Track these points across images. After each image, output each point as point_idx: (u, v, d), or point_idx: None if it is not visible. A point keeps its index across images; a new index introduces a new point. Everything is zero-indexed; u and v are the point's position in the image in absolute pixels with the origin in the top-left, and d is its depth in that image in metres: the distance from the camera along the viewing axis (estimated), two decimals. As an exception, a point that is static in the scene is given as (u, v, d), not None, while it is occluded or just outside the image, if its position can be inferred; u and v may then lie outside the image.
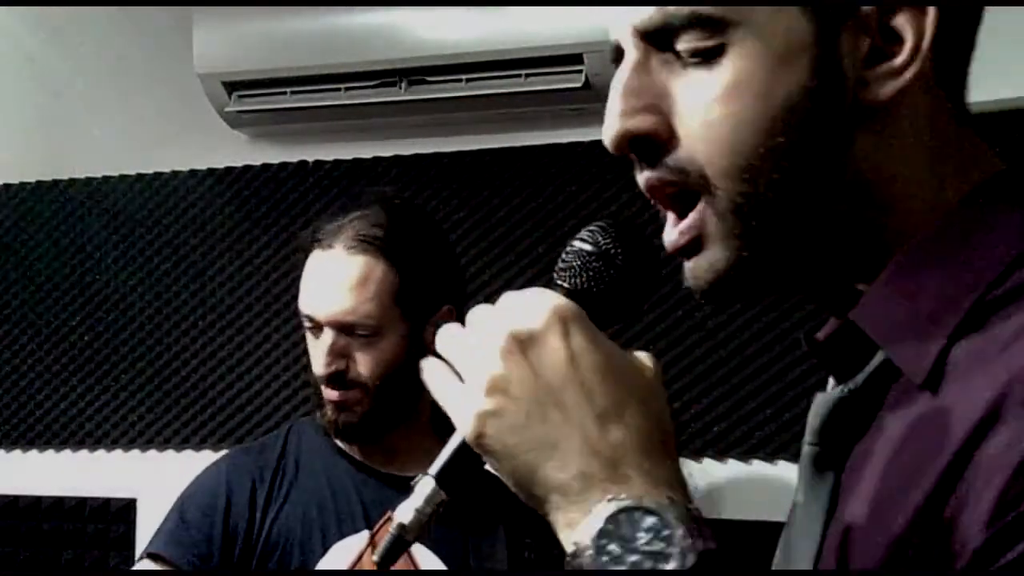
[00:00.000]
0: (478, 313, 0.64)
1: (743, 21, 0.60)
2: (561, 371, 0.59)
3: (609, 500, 0.56)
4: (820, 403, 0.65)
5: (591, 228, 0.69)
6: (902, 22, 0.61)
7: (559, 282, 0.68)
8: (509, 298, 0.64)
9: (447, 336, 0.65)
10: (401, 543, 0.68)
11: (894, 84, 0.61)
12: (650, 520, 0.55)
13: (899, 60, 0.61)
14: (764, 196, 0.61)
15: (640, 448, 0.58)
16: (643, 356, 0.64)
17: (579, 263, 0.68)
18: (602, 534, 0.55)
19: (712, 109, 0.61)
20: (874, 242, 0.63)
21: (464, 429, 0.62)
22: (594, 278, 0.67)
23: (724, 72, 0.61)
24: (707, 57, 0.61)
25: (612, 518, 0.55)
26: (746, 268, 0.63)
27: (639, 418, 0.59)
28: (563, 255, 0.69)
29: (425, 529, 0.68)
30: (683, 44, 0.62)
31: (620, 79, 0.64)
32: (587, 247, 0.68)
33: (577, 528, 0.57)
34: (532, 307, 0.62)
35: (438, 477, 0.67)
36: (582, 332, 0.61)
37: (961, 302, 0.58)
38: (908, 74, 0.61)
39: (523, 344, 0.60)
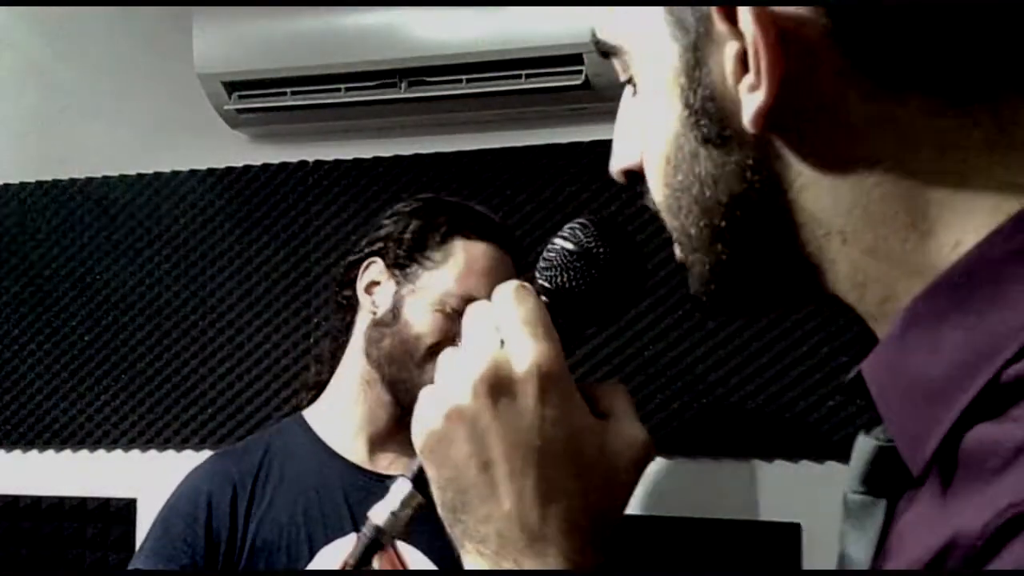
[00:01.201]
0: (473, 313, 0.62)
1: (629, 51, 0.56)
2: (521, 432, 0.57)
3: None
4: (862, 446, 0.54)
5: (572, 226, 0.67)
6: (744, 16, 0.46)
7: (540, 281, 0.66)
8: (504, 305, 0.61)
9: (467, 318, 0.62)
10: (375, 546, 0.67)
11: (756, 100, 0.47)
12: None
13: (752, 71, 0.47)
14: (695, 231, 0.54)
15: (565, 530, 0.57)
16: (629, 431, 0.61)
17: (561, 261, 0.65)
18: None
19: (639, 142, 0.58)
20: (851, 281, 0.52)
21: (414, 437, 0.61)
22: (576, 277, 0.65)
23: (635, 104, 0.57)
24: (634, 88, 0.58)
25: None
26: (721, 293, 0.57)
27: (576, 500, 0.58)
28: (544, 253, 0.67)
29: (402, 531, 0.68)
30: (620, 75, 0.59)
31: (621, 107, 0.62)
32: (569, 245, 0.66)
33: None
34: (520, 346, 0.58)
35: (415, 480, 0.66)
36: (558, 397, 0.58)
37: (975, 376, 0.44)
38: (763, 85, 0.46)
39: (495, 389, 0.57)
